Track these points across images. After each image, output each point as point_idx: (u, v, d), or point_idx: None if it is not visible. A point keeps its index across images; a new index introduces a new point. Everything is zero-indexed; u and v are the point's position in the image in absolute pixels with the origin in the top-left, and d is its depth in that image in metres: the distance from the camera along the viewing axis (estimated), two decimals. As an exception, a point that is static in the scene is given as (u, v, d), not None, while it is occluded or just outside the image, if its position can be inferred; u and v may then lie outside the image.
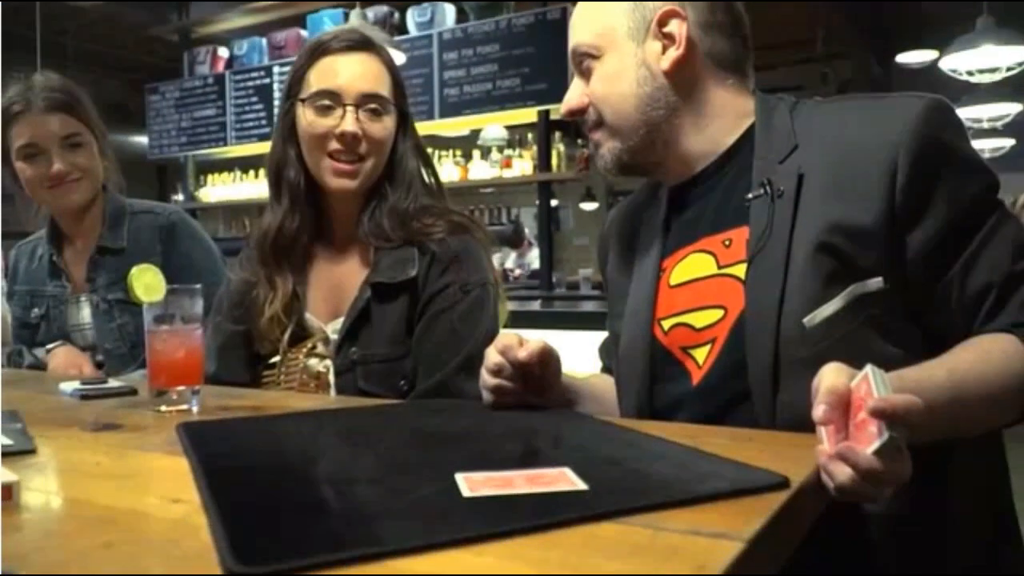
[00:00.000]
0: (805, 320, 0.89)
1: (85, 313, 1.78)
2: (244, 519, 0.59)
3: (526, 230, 7.64)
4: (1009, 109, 6.10)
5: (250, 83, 6.19)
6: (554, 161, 5.18)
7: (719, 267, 0.99)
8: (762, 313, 0.92)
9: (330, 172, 1.32)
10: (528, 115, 5.14)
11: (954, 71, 4.00)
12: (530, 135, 5.51)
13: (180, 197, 7.11)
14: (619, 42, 1.03)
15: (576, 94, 1.07)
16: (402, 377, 1.29)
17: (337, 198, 1.37)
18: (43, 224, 1.85)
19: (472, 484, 0.64)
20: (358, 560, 0.50)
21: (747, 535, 0.53)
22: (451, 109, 5.28)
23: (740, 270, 0.96)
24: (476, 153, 5.80)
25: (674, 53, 1.01)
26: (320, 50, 1.35)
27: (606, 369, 1.26)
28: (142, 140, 7.05)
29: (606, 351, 1.25)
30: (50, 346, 1.74)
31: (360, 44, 1.36)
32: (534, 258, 6.64)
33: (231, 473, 0.73)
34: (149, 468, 0.80)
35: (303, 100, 1.33)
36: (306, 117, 1.33)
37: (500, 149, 5.71)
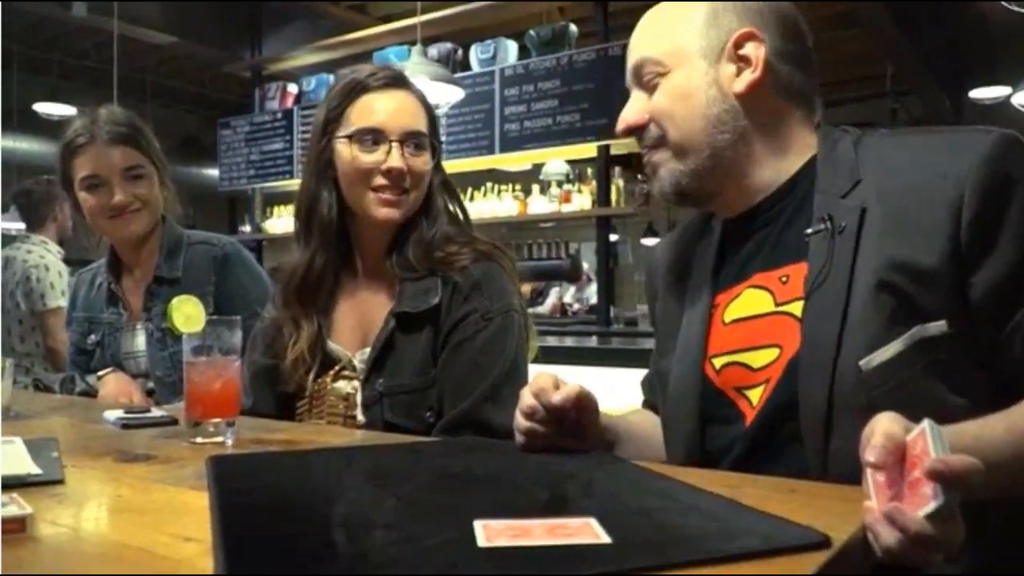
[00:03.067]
0: (862, 363, 0.85)
1: (140, 341, 1.80)
2: (247, 561, 0.56)
3: (584, 264, 7.61)
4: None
5: (317, 118, 6.33)
6: (613, 196, 5.15)
7: (776, 304, 0.95)
8: (817, 353, 0.88)
9: (376, 203, 1.32)
10: (588, 150, 5.13)
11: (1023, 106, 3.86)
12: (589, 170, 5.49)
13: (247, 228, 7.28)
14: (691, 59, 0.99)
15: (636, 109, 1.03)
16: (428, 408, 1.27)
17: (370, 231, 1.37)
18: (104, 252, 1.90)
19: (489, 533, 0.60)
20: (354, 614, 0.47)
21: (777, 602, 0.49)
22: (511, 144, 5.30)
23: (797, 308, 0.92)
24: (535, 188, 5.80)
25: (749, 76, 0.97)
26: (358, 89, 1.36)
27: (648, 404, 1.22)
28: (213, 173, 7.27)
29: (649, 386, 1.22)
30: (101, 373, 1.76)
31: (397, 81, 1.37)
32: (592, 293, 6.59)
33: (247, 511, 0.71)
34: (170, 503, 0.79)
35: (349, 137, 1.33)
36: (348, 154, 1.33)
37: (559, 184, 5.71)
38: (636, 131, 1.03)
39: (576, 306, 7.16)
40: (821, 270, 0.90)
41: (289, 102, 6.60)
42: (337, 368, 1.35)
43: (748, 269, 1.00)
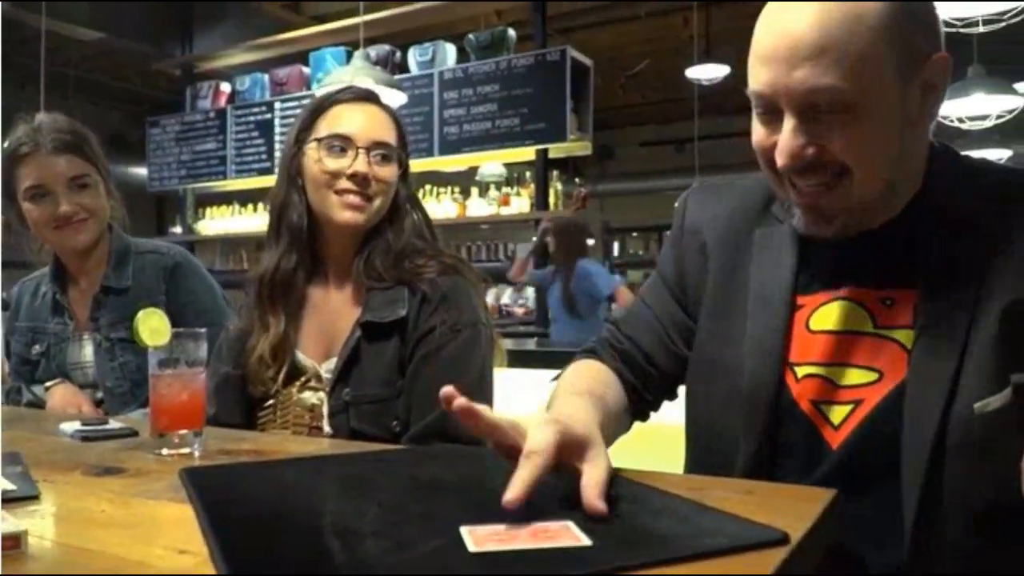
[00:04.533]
0: (977, 406, 0.82)
1: (87, 351, 1.79)
2: (250, 571, 0.59)
3: (523, 266, 7.67)
4: (998, 155, 6.20)
5: (251, 118, 6.26)
6: (551, 199, 5.23)
7: (876, 326, 0.92)
8: (929, 390, 0.85)
9: (340, 207, 1.37)
10: (527, 153, 5.20)
11: (946, 118, 4.07)
12: (528, 173, 5.57)
13: (178, 229, 7.14)
14: (884, 80, 0.84)
15: (801, 141, 0.86)
16: (394, 418, 1.31)
17: (336, 236, 1.41)
18: (47, 259, 1.87)
19: (477, 539, 0.65)
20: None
21: (750, 595, 0.54)
22: (451, 147, 5.34)
23: (904, 336, 0.90)
24: (474, 190, 5.85)
25: (934, 114, 0.90)
26: (330, 101, 1.43)
27: (592, 353, 1.12)
28: (140, 171, 7.11)
29: (626, 358, 1.10)
30: (49, 384, 1.74)
31: (368, 97, 1.45)
32: (530, 295, 6.65)
33: (237, 523, 0.73)
34: (154, 516, 0.81)
35: (318, 140, 1.38)
36: (316, 158, 1.38)
37: (498, 187, 5.76)
38: (803, 164, 0.88)
39: (517, 309, 7.22)
40: (937, 304, 0.87)
41: (222, 101, 6.50)
42: (304, 379, 1.38)
43: (839, 279, 0.95)
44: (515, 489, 0.69)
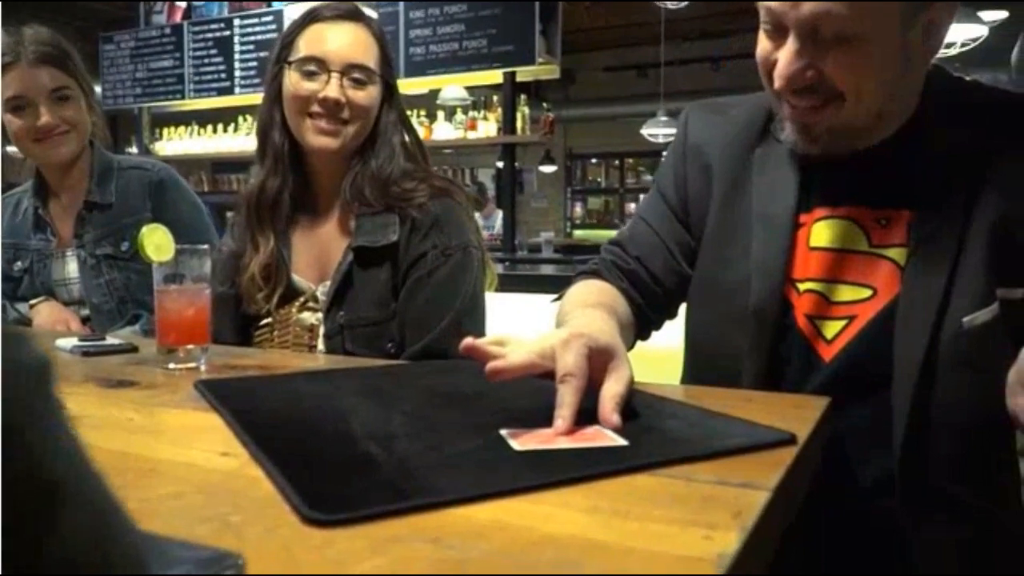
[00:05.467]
0: (965, 320, 0.86)
1: (71, 268, 1.77)
2: (301, 471, 0.62)
3: (488, 191, 7.66)
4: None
5: (209, 35, 6.06)
6: (519, 124, 5.19)
7: (871, 245, 0.95)
8: (921, 305, 0.88)
9: (312, 131, 1.36)
10: (493, 77, 5.13)
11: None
12: (495, 97, 5.51)
13: (134, 150, 6.96)
14: (890, 16, 0.86)
15: (800, 65, 0.88)
16: (389, 340, 1.33)
17: (320, 161, 1.40)
18: (29, 177, 1.84)
19: (520, 440, 0.68)
20: (424, 508, 0.54)
21: (771, 484, 0.59)
22: (416, 69, 5.25)
23: (898, 254, 0.92)
24: (440, 114, 5.78)
25: (935, 48, 0.91)
26: (311, 18, 1.39)
27: (593, 274, 1.14)
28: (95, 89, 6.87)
29: (632, 278, 1.12)
30: (33, 301, 1.73)
31: (350, 15, 1.40)
32: (498, 221, 6.65)
33: (270, 428, 0.76)
34: (183, 423, 0.83)
35: (290, 63, 1.36)
36: (291, 80, 1.36)
37: (465, 111, 5.70)
38: (800, 87, 0.90)
39: (484, 234, 7.21)
40: (932, 223, 0.89)
41: (178, 16, 6.28)
42: (302, 300, 1.39)
43: (840, 198, 0.97)
44: (564, 416, 0.71)
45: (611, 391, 0.76)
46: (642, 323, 1.12)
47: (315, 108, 1.35)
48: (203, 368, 1.12)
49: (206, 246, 1.17)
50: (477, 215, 5.58)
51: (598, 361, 0.78)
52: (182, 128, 6.65)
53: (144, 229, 1.13)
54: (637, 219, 1.18)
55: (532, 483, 0.58)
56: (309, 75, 1.35)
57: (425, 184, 1.38)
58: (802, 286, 0.98)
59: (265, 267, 1.38)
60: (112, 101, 6.55)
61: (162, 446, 0.74)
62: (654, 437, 0.71)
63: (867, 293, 0.94)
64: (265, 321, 1.40)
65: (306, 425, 0.79)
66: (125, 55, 6.43)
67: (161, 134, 6.71)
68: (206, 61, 6.06)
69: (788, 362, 0.98)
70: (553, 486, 0.59)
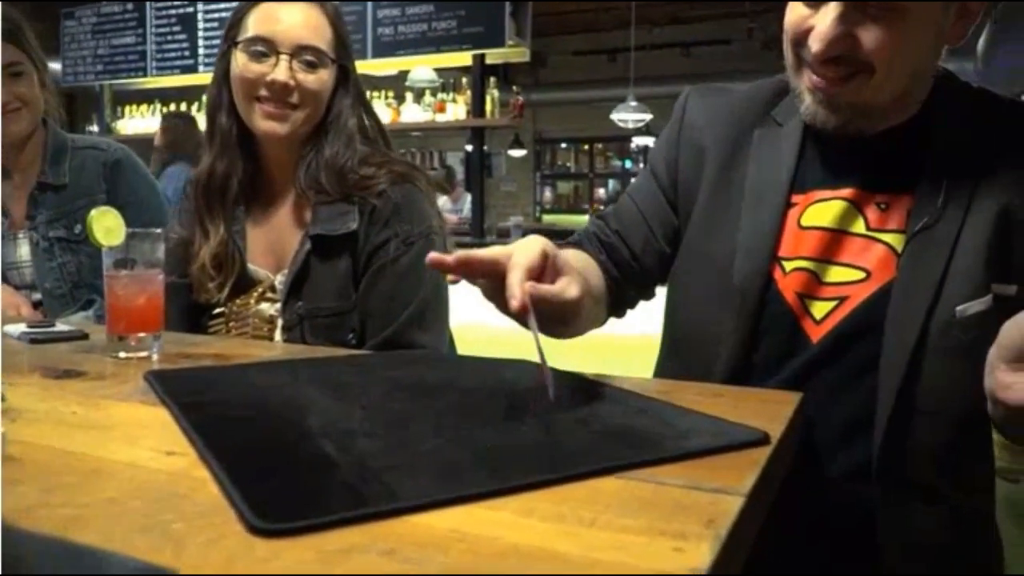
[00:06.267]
0: (958, 309, 0.87)
1: (24, 251, 1.71)
2: (251, 473, 0.59)
3: (457, 175, 7.59)
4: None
5: (172, 11, 5.92)
6: (488, 107, 5.14)
7: (868, 228, 0.94)
8: (916, 291, 0.88)
9: (259, 116, 1.30)
10: (462, 59, 5.07)
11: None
12: (464, 79, 5.45)
13: (95, 128, 6.79)
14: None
15: (840, 31, 0.87)
16: (350, 331, 1.29)
17: (271, 146, 1.35)
18: None
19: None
20: (381, 516, 0.51)
21: (744, 490, 0.56)
22: (385, 49, 5.17)
23: (894, 239, 0.92)
24: (409, 96, 5.70)
25: (957, 38, 0.91)
26: None
27: (576, 245, 1.14)
28: (52, 66, 6.69)
29: (609, 249, 1.12)
30: (-19, 285, 1.67)
31: None
32: (467, 205, 6.60)
33: (220, 424, 0.72)
34: (129, 418, 0.78)
35: (237, 43, 1.30)
36: (239, 62, 1.30)
37: (433, 93, 5.62)
38: (836, 55, 0.89)
39: (453, 218, 7.16)
40: (932, 211, 0.89)
41: (141, -8, 6.12)
42: (260, 290, 1.34)
43: (841, 180, 0.97)
44: (515, 296, 0.74)
45: (547, 288, 0.78)
46: (616, 298, 1.11)
47: (263, 92, 1.29)
48: (155, 357, 1.07)
49: (159, 230, 1.12)
50: (445, 199, 5.57)
51: (550, 270, 0.80)
52: (144, 106, 6.50)
53: (93, 212, 1.08)
54: (625, 196, 1.17)
55: (494, 488, 0.55)
56: (257, 56, 1.29)
57: (384, 170, 1.33)
58: (789, 264, 0.97)
59: (215, 256, 1.32)
60: (73, 78, 6.38)
61: (106, 443, 0.70)
62: (622, 436, 0.68)
63: (860, 275, 0.93)
64: (219, 311, 1.35)
65: (259, 421, 0.75)
66: (87, 31, 6.26)
67: (123, 112, 6.55)
68: (169, 38, 5.92)
69: (771, 339, 0.97)
70: (517, 491, 0.56)
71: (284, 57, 1.28)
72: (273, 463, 0.62)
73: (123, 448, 0.68)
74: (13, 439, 0.69)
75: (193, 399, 0.80)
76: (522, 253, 0.79)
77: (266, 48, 1.29)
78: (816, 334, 0.94)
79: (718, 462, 0.63)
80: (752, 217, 1.00)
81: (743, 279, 0.98)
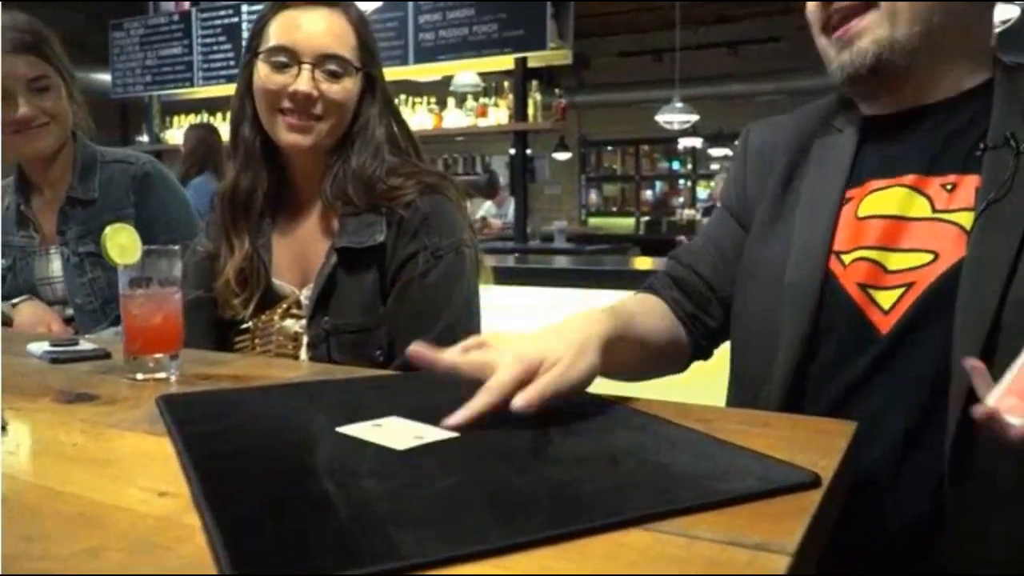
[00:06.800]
0: None
1: (55, 266, 1.70)
2: (241, 521, 0.54)
3: (500, 179, 7.54)
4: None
5: (217, 21, 5.99)
6: (531, 110, 5.09)
7: (934, 210, 0.91)
8: (988, 269, 0.83)
9: (283, 128, 1.27)
10: (505, 62, 5.03)
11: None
12: (506, 83, 5.40)
13: (144, 138, 6.91)
14: None
15: None
16: (377, 348, 1.24)
17: (296, 158, 1.31)
18: (10, 171, 1.77)
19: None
20: (375, 576, 0.46)
21: (791, 547, 0.49)
22: (426, 54, 5.15)
23: (964, 218, 0.88)
24: (451, 101, 5.68)
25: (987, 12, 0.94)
26: (282, 3, 1.28)
27: (648, 290, 1.13)
28: (102, 77, 6.82)
29: (681, 284, 1.10)
30: (16, 300, 1.66)
31: None
32: (511, 208, 6.56)
33: (221, 460, 0.68)
34: (130, 451, 0.74)
35: (259, 54, 1.26)
36: (260, 73, 1.27)
37: (476, 97, 5.60)
38: None
39: (497, 222, 7.10)
40: (1000, 187, 0.86)
41: (186, 4, 6.20)
42: (284, 305, 1.30)
43: (901, 168, 0.95)
44: (459, 415, 0.74)
45: (533, 387, 0.75)
46: (698, 338, 1.09)
47: (285, 103, 1.25)
48: (173, 379, 1.04)
49: (176, 247, 1.08)
50: (490, 203, 5.54)
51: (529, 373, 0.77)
52: (192, 115, 6.58)
53: (108, 229, 1.05)
54: (700, 233, 1.18)
55: (505, 543, 0.49)
56: (279, 67, 1.25)
57: (413, 180, 1.28)
58: (848, 256, 0.94)
59: (240, 271, 1.29)
60: (123, 89, 6.49)
61: (99, 482, 0.66)
62: (652, 476, 0.62)
63: (928, 258, 0.89)
64: (245, 327, 1.31)
65: (263, 455, 0.70)
66: (135, 42, 6.36)
67: (171, 122, 6.65)
68: (215, 48, 5.99)
69: (834, 335, 0.92)
70: (529, 546, 0.50)
71: (306, 67, 1.24)
72: (268, 509, 0.57)
73: (116, 487, 0.64)
74: (7, 474, 0.65)
75: (199, 429, 0.76)
76: (497, 378, 0.77)
77: (288, 58, 1.25)
78: (885, 325, 0.89)
79: (761, 511, 0.56)
80: (807, 213, 0.98)
81: (798, 276, 0.95)
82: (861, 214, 0.95)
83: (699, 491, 0.58)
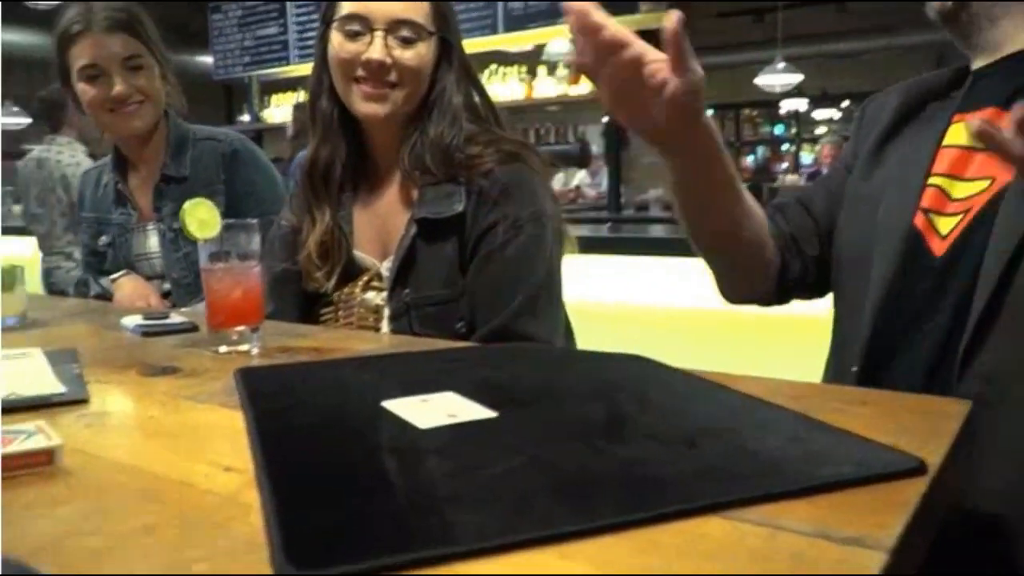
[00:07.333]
0: None
1: (152, 242, 1.75)
2: (299, 500, 0.52)
3: (593, 148, 7.44)
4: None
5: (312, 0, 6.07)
6: (624, 77, 4.96)
7: None
8: None
9: (359, 97, 1.25)
10: (597, 28, 4.91)
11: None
12: (599, 49, 5.28)
13: (246, 117, 7.11)
14: None
15: None
16: (459, 320, 1.22)
17: (374, 128, 1.30)
18: (108, 151, 1.83)
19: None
20: (425, 563, 0.43)
21: (888, 543, 0.44)
22: (515, 23, 5.09)
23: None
24: (542, 70, 5.61)
25: None
26: None
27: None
28: (205, 60, 7.04)
29: (783, 208, 1.14)
30: (115, 276, 1.72)
31: None
32: (606, 177, 6.47)
33: (288, 435, 0.67)
34: (203, 425, 0.75)
35: (332, 23, 1.25)
36: (334, 42, 1.25)
37: (567, 65, 5.49)
38: None
39: (592, 192, 7.01)
40: None
41: (281, -18, 6.32)
42: (366, 278, 1.30)
43: (984, 102, 0.95)
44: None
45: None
46: (790, 256, 1.10)
47: (360, 72, 1.23)
48: (255, 351, 1.04)
49: (255, 220, 1.08)
50: (584, 173, 5.47)
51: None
52: (290, 93, 6.73)
53: (187, 204, 1.06)
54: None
55: (568, 529, 0.46)
56: (352, 35, 1.23)
57: (492, 148, 1.25)
58: (931, 180, 0.96)
59: (322, 243, 1.29)
60: (224, 71, 6.68)
61: (167, 456, 0.66)
62: (735, 459, 0.57)
63: (985, 184, 0.90)
64: (329, 299, 1.32)
65: (329, 431, 0.68)
66: (233, 24, 6.53)
67: (269, 101, 6.82)
68: (308, 27, 6.08)
69: (916, 271, 0.93)
70: (595, 532, 0.46)
71: (379, 33, 1.22)
72: (327, 486, 0.55)
73: (182, 462, 0.63)
74: (79, 448, 0.65)
75: (272, 403, 0.76)
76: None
77: (360, 26, 1.23)
78: (940, 249, 0.91)
79: (856, 498, 0.51)
80: (905, 148, 1.01)
81: (889, 206, 0.97)
82: (945, 143, 0.97)
83: (786, 477, 0.53)
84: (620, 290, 2.98)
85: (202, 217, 1.05)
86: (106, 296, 1.71)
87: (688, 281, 2.82)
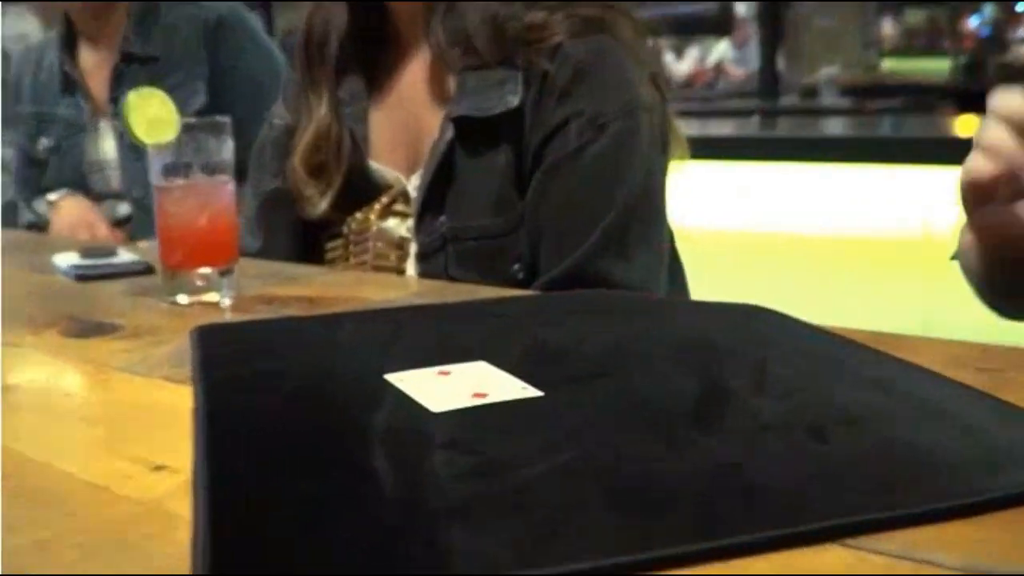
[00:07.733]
0: None
1: (108, 146, 1.80)
2: (244, 514, 0.53)
3: (739, 8, 7.30)
4: None
5: None
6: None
7: None
8: None
9: None
10: None
11: None
12: None
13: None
14: None
15: None
16: (515, 259, 1.23)
17: None
18: (55, 24, 1.87)
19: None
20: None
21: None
22: None
23: None
24: None
25: None
26: None
27: None
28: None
29: None
30: (53, 196, 1.77)
31: None
32: (754, 53, 6.36)
33: (245, 422, 0.68)
34: (137, 405, 0.77)
35: None
36: None
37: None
38: None
39: (737, 71, 6.88)
40: None
41: None
42: (386, 200, 1.30)
43: None
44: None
45: None
46: None
47: None
48: (226, 302, 1.07)
49: (226, 118, 1.09)
50: (726, 44, 5.40)
51: None
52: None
53: (131, 96, 1.07)
54: None
55: (621, 560, 0.45)
56: None
57: (562, 14, 1.23)
58: None
59: (315, 146, 1.30)
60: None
61: (83, 448, 0.68)
62: (873, 459, 0.55)
63: None
64: (339, 231, 1.33)
65: (304, 416, 0.69)
66: None
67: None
68: None
69: None
70: (657, 566, 0.45)
71: None
72: (287, 495, 0.56)
73: (102, 456, 0.66)
74: (-27, 435, 0.68)
75: (228, 375, 0.77)
76: None
77: None
78: None
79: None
80: None
81: None
82: None
83: (940, 488, 0.51)
84: (769, 213, 2.93)
85: (153, 113, 1.06)
86: (40, 225, 1.77)
87: (872, 200, 2.76)
